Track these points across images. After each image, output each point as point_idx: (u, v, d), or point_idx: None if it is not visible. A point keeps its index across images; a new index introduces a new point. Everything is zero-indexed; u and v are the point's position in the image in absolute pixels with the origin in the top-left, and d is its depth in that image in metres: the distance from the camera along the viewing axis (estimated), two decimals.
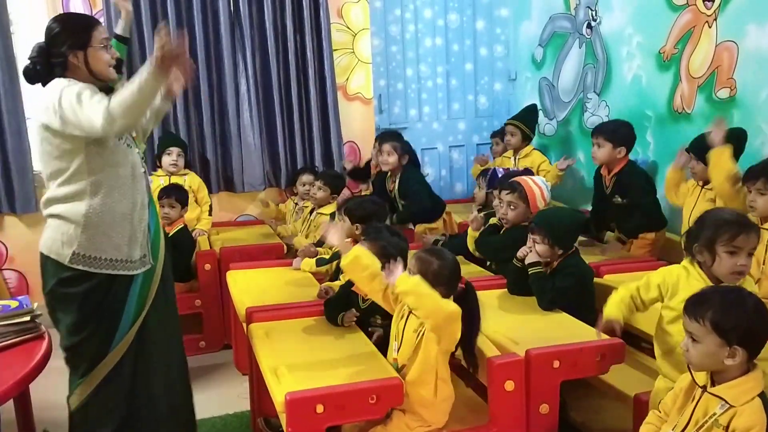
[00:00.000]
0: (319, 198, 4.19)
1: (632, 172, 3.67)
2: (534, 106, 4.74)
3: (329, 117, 4.72)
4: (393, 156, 4.21)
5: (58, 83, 2.29)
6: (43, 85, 2.37)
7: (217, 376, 3.66)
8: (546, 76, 4.94)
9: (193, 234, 4.12)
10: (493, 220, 3.50)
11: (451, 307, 2.20)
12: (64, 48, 2.33)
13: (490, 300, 2.91)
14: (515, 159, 4.47)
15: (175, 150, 4.29)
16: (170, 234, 3.61)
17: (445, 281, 2.29)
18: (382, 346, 2.50)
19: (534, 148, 4.53)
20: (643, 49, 4.00)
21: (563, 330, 2.60)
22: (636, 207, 3.59)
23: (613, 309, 2.37)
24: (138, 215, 2.45)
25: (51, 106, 2.23)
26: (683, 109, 3.73)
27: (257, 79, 4.58)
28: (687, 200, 3.39)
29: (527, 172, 3.76)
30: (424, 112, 5.27)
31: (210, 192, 4.51)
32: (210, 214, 4.43)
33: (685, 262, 2.32)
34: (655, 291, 2.36)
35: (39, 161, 2.43)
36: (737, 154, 3.13)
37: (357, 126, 4.94)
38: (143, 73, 2.13)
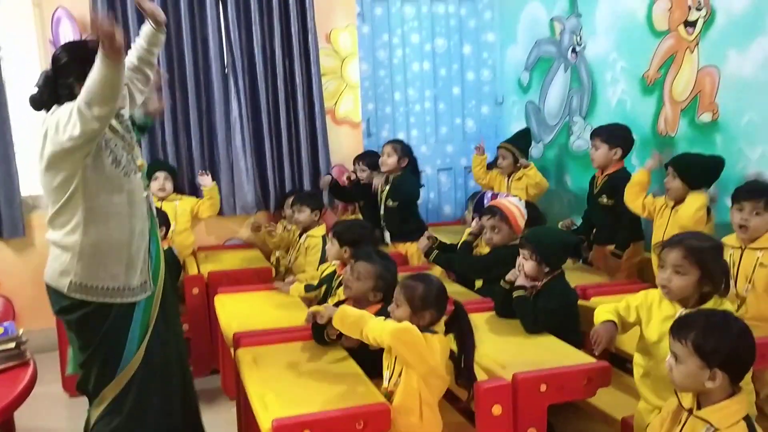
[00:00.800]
0: (303, 220, 4.18)
1: (624, 176, 3.72)
2: (527, 129, 4.73)
3: (318, 141, 4.75)
4: (393, 157, 4.28)
5: (66, 109, 2.26)
6: (47, 111, 2.37)
7: (205, 401, 3.63)
8: (532, 99, 5.00)
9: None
10: (464, 237, 3.56)
11: (389, 327, 2.22)
12: (71, 79, 2.34)
13: (477, 323, 2.90)
14: (508, 182, 4.49)
15: (161, 174, 4.27)
16: None
17: (433, 304, 2.31)
18: (370, 366, 2.51)
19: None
20: (627, 74, 4.05)
21: (550, 353, 2.60)
22: (623, 214, 3.64)
23: (604, 314, 2.39)
24: (136, 243, 2.45)
25: (60, 130, 2.23)
26: (667, 132, 3.78)
27: (246, 104, 4.59)
28: (657, 222, 3.42)
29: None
30: (412, 136, 5.30)
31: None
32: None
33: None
34: (634, 313, 2.39)
35: (42, 190, 2.43)
36: (712, 180, 3.26)
37: (346, 149, 4.96)
38: (95, 61, 2.13)
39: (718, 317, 1.88)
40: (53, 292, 2.42)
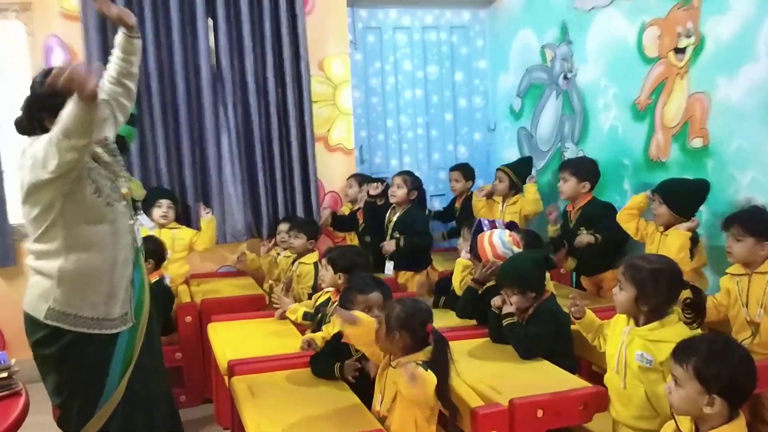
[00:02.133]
0: (297, 246, 4.16)
1: (596, 205, 3.86)
2: (530, 158, 4.71)
3: (309, 167, 4.75)
4: (402, 189, 4.28)
5: (43, 140, 2.19)
6: (29, 136, 2.34)
7: (197, 431, 3.60)
8: (524, 126, 5.03)
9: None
10: (457, 269, 3.43)
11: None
12: (43, 113, 2.30)
13: (472, 349, 2.91)
14: (503, 206, 4.50)
15: (165, 202, 4.29)
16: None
17: (405, 325, 2.30)
18: (363, 392, 2.49)
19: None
20: (619, 100, 4.09)
21: (545, 378, 2.59)
22: (602, 241, 3.71)
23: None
24: (119, 272, 2.39)
25: (38, 161, 2.17)
26: (659, 158, 3.81)
27: (239, 131, 4.61)
28: (649, 247, 3.44)
29: (511, 225, 3.75)
30: (404, 162, 5.33)
31: None
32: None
33: None
34: (592, 334, 2.64)
35: (22, 216, 2.38)
36: (698, 205, 3.33)
37: (339, 176, 4.97)
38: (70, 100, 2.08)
39: (720, 343, 1.88)
40: (31, 322, 2.34)
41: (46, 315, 2.30)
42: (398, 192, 4.29)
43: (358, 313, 2.44)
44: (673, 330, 2.27)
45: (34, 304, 2.32)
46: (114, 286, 2.37)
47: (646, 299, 2.32)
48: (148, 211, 4.29)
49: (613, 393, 2.42)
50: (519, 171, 4.51)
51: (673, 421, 1.94)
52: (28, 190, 2.24)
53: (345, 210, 4.89)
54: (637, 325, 2.38)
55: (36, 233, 2.31)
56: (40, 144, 2.19)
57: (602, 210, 3.84)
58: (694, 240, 3.25)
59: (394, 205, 4.39)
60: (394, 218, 4.34)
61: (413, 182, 4.33)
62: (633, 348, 2.34)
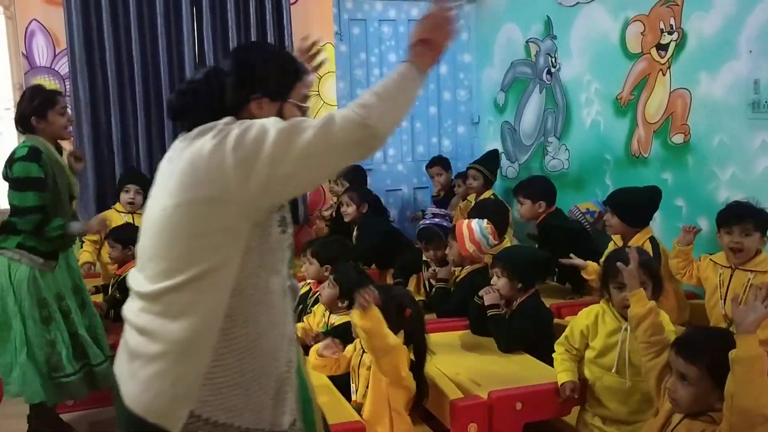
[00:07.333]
0: None
1: (553, 221, 3.77)
2: (496, 151, 4.83)
3: None
4: (351, 206, 4.26)
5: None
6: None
7: None
8: (508, 120, 5.04)
9: None
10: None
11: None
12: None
13: (452, 340, 2.92)
14: (476, 202, 4.51)
15: (132, 187, 4.13)
16: (120, 277, 3.47)
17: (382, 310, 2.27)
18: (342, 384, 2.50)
19: (493, 193, 4.58)
20: (601, 95, 4.11)
21: (525, 371, 2.61)
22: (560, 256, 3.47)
23: (562, 375, 2.47)
24: (286, 354, 1.54)
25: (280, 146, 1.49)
26: (640, 153, 3.83)
27: None
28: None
29: (447, 216, 3.94)
30: (388, 155, 5.32)
31: None
32: None
33: (602, 301, 2.51)
34: (579, 338, 2.52)
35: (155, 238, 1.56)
36: (650, 215, 3.29)
37: None
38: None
39: (727, 338, 1.86)
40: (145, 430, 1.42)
41: (185, 428, 1.41)
42: (348, 210, 4.29)
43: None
44: (662, 319, 2.27)
45: (163, 409, 1.40)
46: (281, 376, 1.52)
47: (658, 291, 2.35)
48: (117, 196, 4.20)
49: (608, 393, 2.40)
50: (490, 166, 4.58)
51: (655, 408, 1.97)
52: (210, 195, 1.40)
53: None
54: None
55: (181, 268, 1.41)
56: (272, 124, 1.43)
57: (557, 227, 3.72)
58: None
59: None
60: (354, 233, 4.33)
61: (359, 197, 4.29)
62: (635, 345, 2.32)
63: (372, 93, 1.45)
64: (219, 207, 1.40)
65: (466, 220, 3.37)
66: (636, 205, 3.27)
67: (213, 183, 1.39)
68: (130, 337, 1.46)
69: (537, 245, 3.77)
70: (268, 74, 1.60)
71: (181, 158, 1.46)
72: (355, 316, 2.22)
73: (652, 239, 3.18)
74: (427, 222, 3.82)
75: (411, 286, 3.86)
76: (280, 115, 1.57)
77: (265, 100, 1.59)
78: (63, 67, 4.30)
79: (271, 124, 1.43)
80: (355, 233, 4.30)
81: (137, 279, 1.48)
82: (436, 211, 4.04)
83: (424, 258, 3.78)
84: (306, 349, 2.75)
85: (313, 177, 1.47)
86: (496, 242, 3.36)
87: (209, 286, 1.39)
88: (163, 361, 1.40)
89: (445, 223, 3.75)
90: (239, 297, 1.41)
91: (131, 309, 1.48)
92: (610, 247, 3.31)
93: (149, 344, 1.41)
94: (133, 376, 1.43)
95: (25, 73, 4.22)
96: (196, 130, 1.49)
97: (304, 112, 1.67)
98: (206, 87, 1.59)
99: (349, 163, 1.49)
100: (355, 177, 4.63)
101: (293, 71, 1.66)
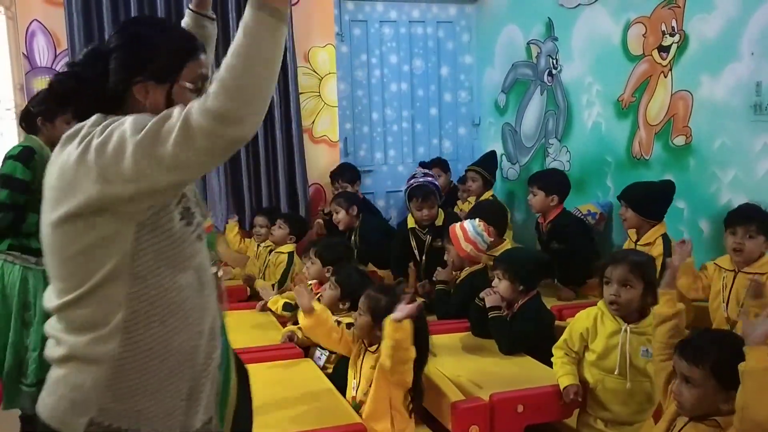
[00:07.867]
0: (277, 236, 4.12)
1: (566, 218, 3.77)
2: (493, 152, 4.82)
3: (294, 159, 4.73)
4: (340, 213, 4.25)
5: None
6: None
7: None
8: (509, 121, 5.04)
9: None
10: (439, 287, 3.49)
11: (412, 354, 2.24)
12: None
13: (453, 342, 2.91)
14: (474, 204, 4.49)
15: None
16: None
17: (387, 313, 2.29)
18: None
19: (492, 194, 4.57)
20: (603, 97, 4.10)
21: (526, 373, 2.61)
22: (575, 253, 3.59)
23: (564, 378, 2.46)
24: (204, 352, 1.47)
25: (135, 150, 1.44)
26: (641, 155, 3.83)
27: None
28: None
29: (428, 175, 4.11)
30: (389, 156, 5.32)
31: None
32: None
33: (600, 303, 2.49)
34: (579, 340, 2.50)
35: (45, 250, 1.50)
36: (665, 208, 3.29)
37: (323, 168, 4.95)
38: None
39: (731, 338, 1.87)
40: None
41: None
42: (339, 217, 4.27)
43: (315, 304, 2.47)
44: None
45: (62, 415, 1.37)
46: (197, 375, 1.46)
47: (654, 290, 2.31)
48: None
49: (610, 395, 2.40)
50: (488, 167, 4.59)
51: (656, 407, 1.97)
52: (78, 208, 1.32)
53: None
54: (628, 322, 2.38)
55: (72, 287, 1.36)
56: (129, 123, 1.30)
57: (571, 223, 3.76)
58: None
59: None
60: (356, 239, 4.31)
61: (347, 202, 4.28)
62: (636, 346, 2.34)
63: (223, 69, 1.25)
64: (91, 218, 1.31)
65: (458, 223, 3.39)
66: (651, 198, 3.30)
67: (82, 194, 1.29)
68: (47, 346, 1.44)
69: (555, 243, 3.74)
70: (153, 52, 1.43)
71: (55, 165, 1.38)
72: (388, 327, 2.21)
73: (665, 236, 3.20)
74: (420, 179, 3.85)
75: (410, 279, 3.90)
76: (169, 100, 1.43)
77: (150, 84, 1.42)
78: (63, 67, 4.29)
79: (129, 133, 1.26)
80: (354, 237, 4.29)
81: (47, 295, 1.45)
82: (426, 171, 4.11)
83: (412, 225, 3.85)
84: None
85: (185, 181, 1.34)
86: (492, 239, 3.37)
87: (103, 298, 1.34)
88: (66, 366, 1.37)
89: (436, 183, 3.97)
90: (137, 301, 1.34)
91: (48, 322, 1.45)
92: (627, 243, 3.35)
93: (56, 348, 1.39)
94: (46, 381, 1.42)
95: (25, 74, 4.21)
96: (64, 135, 1.39)
97: (199, 95, 1.36)
98: (91, 69, 1.43)
99: (226, 158, 1.33)
100: (347, 179, 4.63)
101: (184, 48, 1.49)
